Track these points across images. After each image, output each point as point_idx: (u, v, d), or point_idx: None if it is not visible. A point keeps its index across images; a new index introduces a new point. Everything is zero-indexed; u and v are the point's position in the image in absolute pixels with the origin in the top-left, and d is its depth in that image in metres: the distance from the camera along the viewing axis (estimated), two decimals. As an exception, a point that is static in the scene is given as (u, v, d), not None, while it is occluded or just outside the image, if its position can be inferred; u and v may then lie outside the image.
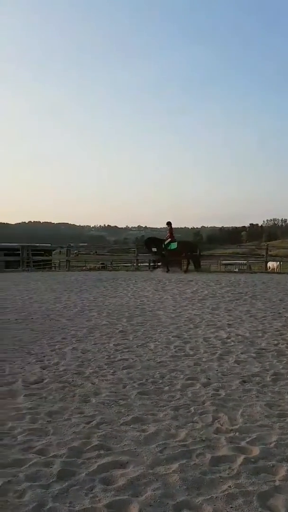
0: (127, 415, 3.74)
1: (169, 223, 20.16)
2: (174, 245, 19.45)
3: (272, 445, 3.18)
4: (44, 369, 5.07)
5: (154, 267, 20.60)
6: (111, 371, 5.00)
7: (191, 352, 5.80)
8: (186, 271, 19.17)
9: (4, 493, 2.59)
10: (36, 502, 2.49)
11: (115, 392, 4.30)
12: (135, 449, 3.14)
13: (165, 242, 19.52)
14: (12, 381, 4.64)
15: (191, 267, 19.67)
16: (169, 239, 19.54)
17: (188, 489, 2.64)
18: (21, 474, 2.79)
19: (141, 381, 4.62)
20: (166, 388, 4.43)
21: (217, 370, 5.01)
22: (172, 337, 6.69)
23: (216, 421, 3.63)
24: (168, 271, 18.95)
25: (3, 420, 3.63)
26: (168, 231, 20.02)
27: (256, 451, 3.09)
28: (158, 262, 20.57)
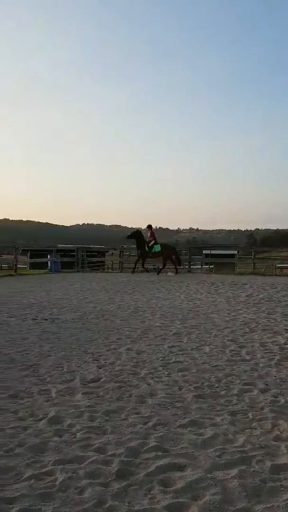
0: (184, 417, 3.72)
1: (149, 226, 20.51)
2: (157, 248, 19.60)
3: None
4: (100, 368, 5.16)
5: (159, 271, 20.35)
6: (166, 373, 5.00)
7: (248, 357, 5.69)
8: (159, 272, 19.52)
9: (65, 489, 2.65)
10: (96, 499, 2.53)
11: (171, 394, 4.29)
12: (192, 452, 3.12)
13: (149, 245, 19.56)
14: (70, 379, 4.75)
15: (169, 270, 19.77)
16: (153, 241, 19.61)
17: (248, 496, 2.58)
18: (81, 471, 2.84)
19: (197, 384, 4.58)
20: (223, 392, 4.37)
21: (275, 376, 4.88)
22: (227, 341, 6.60)
23: (276, 428, 3.53)
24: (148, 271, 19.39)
25: (62, 417, 3.72)
26: (149, 234, 20.04)
27: None
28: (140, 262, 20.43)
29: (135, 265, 20.49)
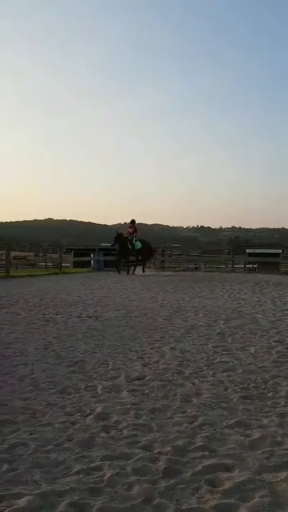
0: (230, 418, 3.68)
1: (133, 221, 20.15)
2: (138, 244, 19.31)
3: None
4: (145, 366, 5.18)
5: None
6: (211, 372, 4.96)
7: (295, 358, 5.56)
8: (133, 272, 19.19)
9: (114, 484, 2.68)
10: (144, 496, 2.55)
11: (217, 395, 4.26)
12: (240, 453, 3.08)
13: (134, 241, 19.23)
14: (115, 376, 4.80)
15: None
16: (134, 236, 19.36)
17: (298, 500, 2.53)
18: (129, 468, 2.87)
19: (243, 385, 4.52)
20: (270, 394, 4.29)
21: None
22: (273, 342, 6.47)
23: None
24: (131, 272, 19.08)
25: (108, 413, 3.77)
26: (130, 229, 19.72)
27: None
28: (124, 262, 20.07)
29: (127, 266, 20.06)
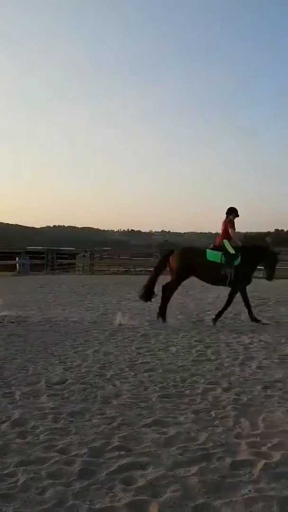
0: (148, 417, 3.76)
1: None
2: None
3: (293, 451, 3.15)
4: (66, 370, 5.14)
5: None
6: (133, 373, 5.03)
7: (213, 357, 5.78)
8: None
9: (27, 489, 2.64)
10: (57, 499, 2.54)
11: (136, 395, 4.33)
12: (155, 451, 3.16)
13: None
14: (35, 381, 4.72)
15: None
16: None
17: (207, 492, 2.64)
18: (43, 472, 2.85)
19: (162, 384, 4.63)
20: (187, 391, 4.44)
21: (239, 375, 4.98)
22: (194, 341, 6.69)
23: (237, 426, 3.61)
24: None
25: (26, 419, 3.70)
26: None
27: (277, 456, 3.07)
28: None
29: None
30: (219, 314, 8.24)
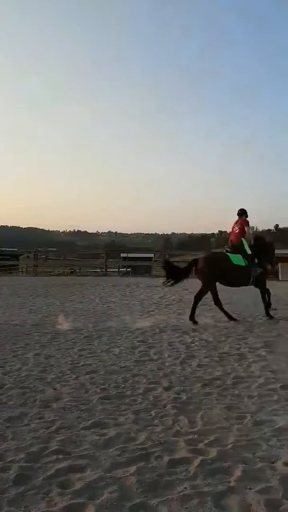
0: (88, 419, 3.74)
1: None
2: None
3: (229, 446, 3.24)
4: (5, 375, 5.01)
5: None
6: (74, 376, 4.98)
7: (155, 357, 5.84)
8: None
9: None
10: (-9, 508, 2.47)
11: (77, 397, 4.29)
12: (93, 453, 3.15)
13: None
14: (-29, 387, 4.56)
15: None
16: None
17: (144, 491, 2.67)
18: (-23, 480, 2.76)
19: (104, 386, 4.62)
20: (128, 392, 4.45)
21: (179, 374, 5.06)
22: (137, 342, 6.72)
23: (176, 424, 3.67)
24: None
25: None
26: None
27: (213, 452, 3.14)
28: None
29: None
30: (267, 307, 8.79)
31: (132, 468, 2.92)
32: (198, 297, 8.58)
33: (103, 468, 2.93)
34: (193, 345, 6.54)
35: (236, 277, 8.61)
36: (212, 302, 8.76)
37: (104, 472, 2.88)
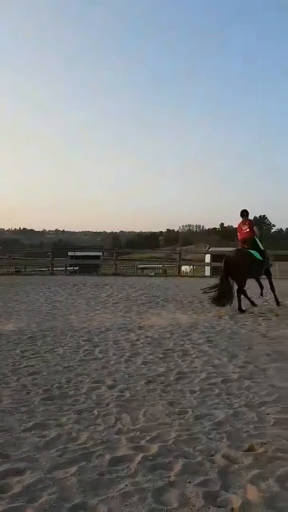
0: (29, 421, 3.67)
1: None
2: None
3: (170, 442, 3.29)
4: None
5: None
6: (15, 378, 4.86)
7: (100, 356, 5.82)
8: None
9: None
10: None
11: (17, 399, 4.19)
12: (34, 455, 3.09)
13: None
14: None
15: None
16: None
17: (85, 491, 2.65)
18: None
19: (46, 387, 4.55)
20: (71, 392, 4.41)
21: (124, 372, 5.07)
22: (82, 341, 6.67)
23: (119, 422, 3.68)
24: None
25: None
26: None
27: (154, 448, 3.18)
28: None
29: None
30: (276, 299, 9.98)
31: (73, 469, 2.90)
32: (241, 291, 9.55)
33: (43, 470, 2.89)
34: (138, 342, 6.57)
35: (256, 270, 9.82)
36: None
37: (44, 474, 2.84)
